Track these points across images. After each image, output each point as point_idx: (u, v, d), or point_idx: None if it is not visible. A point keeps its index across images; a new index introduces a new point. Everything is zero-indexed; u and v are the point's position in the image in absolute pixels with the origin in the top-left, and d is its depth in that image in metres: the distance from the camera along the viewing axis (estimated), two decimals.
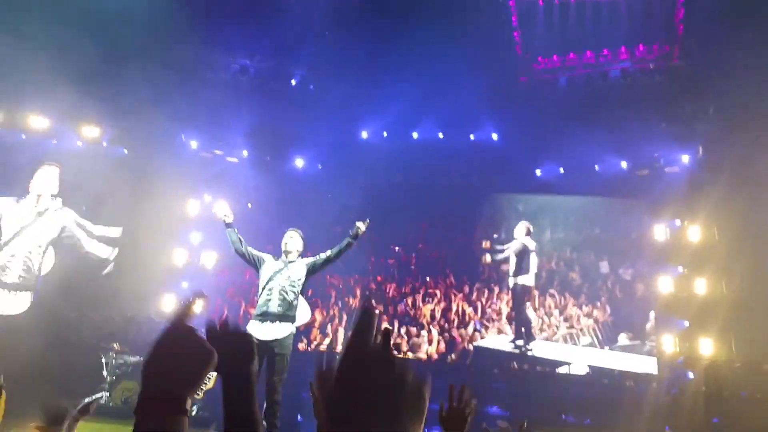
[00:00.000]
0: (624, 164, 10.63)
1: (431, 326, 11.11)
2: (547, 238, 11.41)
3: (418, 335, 11.04)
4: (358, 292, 11.77)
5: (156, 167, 10.58)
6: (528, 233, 10.80)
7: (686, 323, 8.86)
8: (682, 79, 9.82)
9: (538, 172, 11.20)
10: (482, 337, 10.87)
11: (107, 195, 10.97)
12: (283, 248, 6.28)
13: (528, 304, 10.70)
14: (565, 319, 10.79)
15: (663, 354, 9.02)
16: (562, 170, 11.05)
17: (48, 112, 10.83)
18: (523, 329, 10.46)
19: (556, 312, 10.90)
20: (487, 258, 11.35)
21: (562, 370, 9.81)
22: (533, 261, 10.72)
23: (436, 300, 11.57)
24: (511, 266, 10.78)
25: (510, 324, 10.90)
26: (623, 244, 11.02)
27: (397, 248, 12.55)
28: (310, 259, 6.23)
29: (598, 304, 10.76)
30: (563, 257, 11.43)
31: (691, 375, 8.35)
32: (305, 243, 6.44)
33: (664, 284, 9.32)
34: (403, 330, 11.17)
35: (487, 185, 11.57)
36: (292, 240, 6.30)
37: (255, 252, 6.32)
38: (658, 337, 9.33)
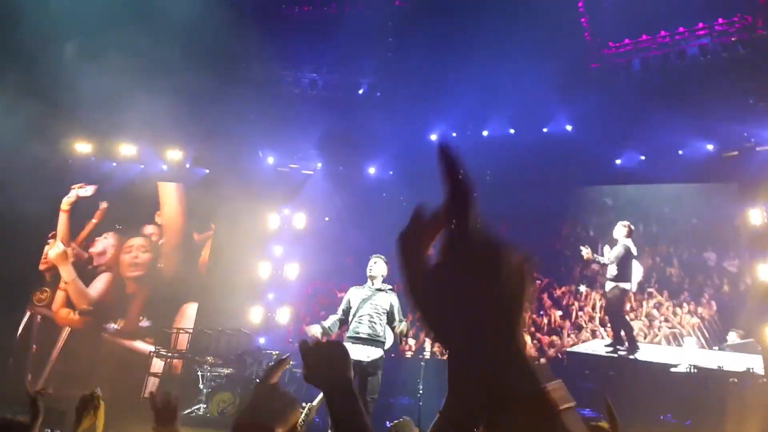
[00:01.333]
0: (710, 146, 10.04)
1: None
2: (640, 232, 10.72)
3: None
4: None
5: (236, 184, 11.05)
6: (629, 234, 10.08)
7: None
8: None
9: (617, 162, 10.76)
10: (574, 343, 10.44)
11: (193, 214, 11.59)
12: (368, 274, 6.52)
13: (627, 309, 10.13)
14: (666, 319, 10.15)
15: (767, 348, 8.41)
16: (643, 158, 10.57)
17: (135, 140, 11.55)
18: (624, 335, 9.90)
19: (655, 312, 10.26)
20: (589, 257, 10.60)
21: (661, 369, 9.36)
22: (636, 266, 10.01)
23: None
24: (611, 270, 10.11)
25: (604, 327, 10.45)
26: (724, 233, 10.23)
27: None
28: (395, 301, 6.40)
29: (703, 300, 10.02)
30: (659, 252, 10.66)
31: None
32: (389, 267, 6.62)
33: (765, 272, 8.71)
34: None
35: (565, 179, 11.21)
36: (376, 266, 6.54)
37: (344, 306, 6.54)
38: (762, 330, 8.68)
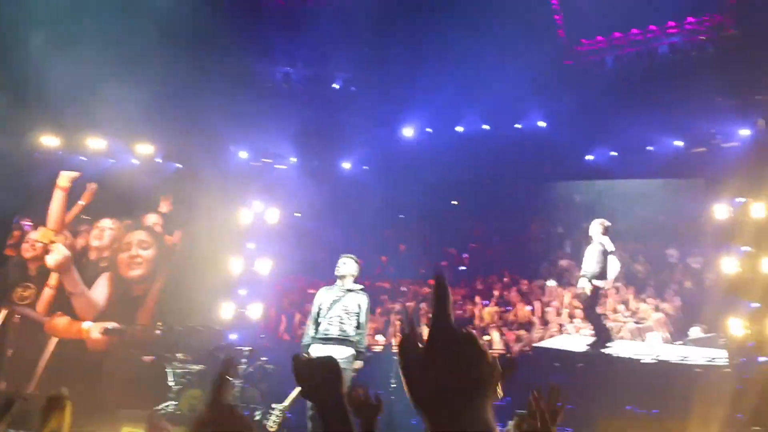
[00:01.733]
0: (679, 143, 10.19)
1: (491, 330, 10.77)
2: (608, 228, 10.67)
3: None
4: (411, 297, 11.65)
5: (209, 180, 10.91)
6: (605, 232, 9.83)
7: (754, 305, 8.41)
8: (737, 50, 9.33)
9: (589, 158, 10.87)
10: (541, 338, 10.47)
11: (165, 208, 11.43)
12: (336, 273, 6.49)
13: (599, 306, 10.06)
14: (632, 314, 10.24)
15: (732, 339, 8.58)
16: (614, 153, 10.71)
17: (104, 134, 11.32)
18: (601, 333, 9.79)
19: (621, 307, 10.35)
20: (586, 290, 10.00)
21: (627, 359, 9.47)
22: (613, 264, 9.81)
23: (492, 301, 11.29)
24: (587, 267, 9.82)
25: (572, 323, 10.50)
26: (690, 230, 10.41)
27: (451, 250, 12.35)
28: (363, 303, 6.42)
29: (667, 296, 10.19)
30: (627, 248, 10.74)
31: (762, 359, 7.96)
32: (360, 267, 6.61)
33: (729, 265, 8.89)
34: None
35: (537, 175, 11.34)
36: (345, 266, 6.53)
37: (314, 314, 6.56)
38: (725, 321, 8.85)
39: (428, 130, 11.57)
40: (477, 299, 11.38)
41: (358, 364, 6.37)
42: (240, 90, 10.78)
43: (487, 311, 11.14)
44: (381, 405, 2.63)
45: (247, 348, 8.86)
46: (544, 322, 10.72)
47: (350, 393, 2.66)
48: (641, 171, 10.23)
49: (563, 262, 11.51)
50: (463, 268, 12.20)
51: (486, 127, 11.25)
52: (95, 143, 11.35)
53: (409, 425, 8.80)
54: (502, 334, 10.72)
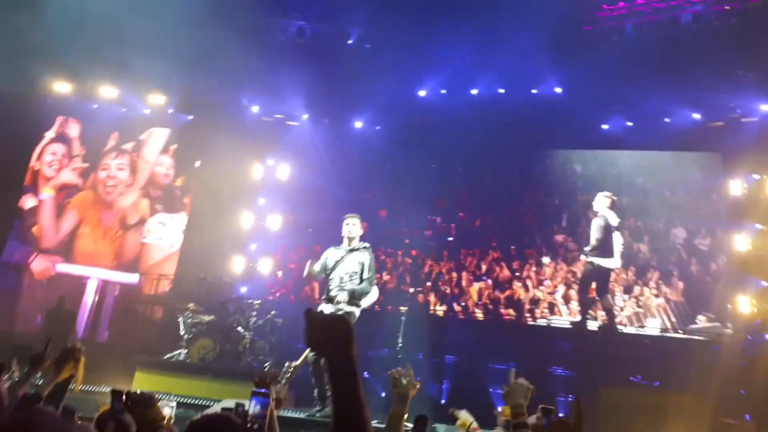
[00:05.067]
0: (697, 116, 10.09)
1: (476, 307, 10.45)
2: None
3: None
4: (389, 267, 11.11)
5: (220, 132, 10.89)
6: (612, 206, 9.29)
7: (764, 283, 8.46)
8: (760, 21, 9.14)
9: (604, 127, 10.78)
10: (534, 319, 10.11)
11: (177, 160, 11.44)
12: (343, 234, 6.51)
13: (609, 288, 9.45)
14: (634, 298, 9.72)
15: (739, 316, 8.65)
16: (630, 123, 10.60)
17: (116, 82, 11.26)
18: (606, 315, 9.41)
19: (618, 290, 9.83)
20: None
21: (630, 332, 9.39)
22: (617, 240, 9.17)
23: (477, 277, 10.77)
24: (591, 243, 9.30)
25: (567, 304, 10.02)
26: (699, 207, 10.02)
27: (437, 218, 11.79)
28: (365, 260, 6.43)
29: (671, 279, 9.70)
30: (628, 226, 10.13)
31: None
32: (364, 225, 6.69)
33: (740, 242, 8.89)
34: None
35: (548, 142, 11.21)
36: (348, 226, 6.55)
37: (321, 262, 6.53)
38: (733, 298, 8.81)
39: (443, 91, 11.42)
40: (464, 275, 10.84)
41: (342, 296, 6.37)
42: (253, 43, 10.63)
43: (475, 288, 10.69)
44: (418, 386, 2.73)
45: (256, 301, 8.99)
46: (533, 302, 10.24)
47: (393, 371, 2.76)
48: (656, 143, 10.10)
49: (559, 237, 10.93)
50: (450, 238, 11.75)
51: (501, 91, 11.10)
52: (107, 91, 11.30)
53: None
54: (489, 313, 10.36)
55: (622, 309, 9.73)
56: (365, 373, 7.15)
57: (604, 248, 9.17)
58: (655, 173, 10.61)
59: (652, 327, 9.49)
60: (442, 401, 9.36)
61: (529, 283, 10.48)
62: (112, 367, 7.57)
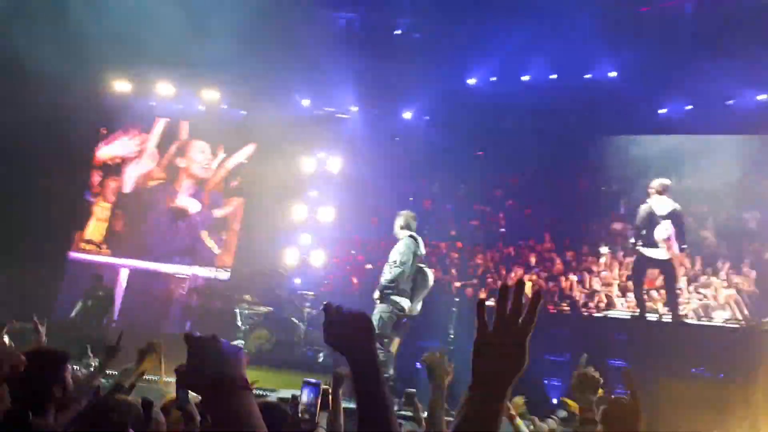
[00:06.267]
0: (762, 97, 9.61)
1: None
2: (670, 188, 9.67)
3: None
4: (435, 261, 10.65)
5: (272, 127, 11.09)
6: (660, 192, 8.98)
7: None
8: None
9: (662, 111, 10.39)
10: (589, 311, 9.85)
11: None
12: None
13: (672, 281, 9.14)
14: (697, 290, 9.21)
15: None
16: (689, 107, 10.18)
17: (173, 79, 11.61)
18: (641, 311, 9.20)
19: (683, 280, 9.32)
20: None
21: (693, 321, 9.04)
22: (662, 228, 8.89)
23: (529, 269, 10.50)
24: (635, 233, 9.12)
25: (625, 297, 9.72)
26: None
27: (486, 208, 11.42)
28: (400, 245, 6.68)
29: (742, 268, 9.08)
30: (692, 210, 9.62)
31: None
32: (405, 219, 6.82)
33: None
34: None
35: (603, 128, 10.88)
36: (395, 221, 6.87)
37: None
38: None
39: (493, 79, 11.26)
40: (516, 269, 10.54)
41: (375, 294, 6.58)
42: (303, 37, 10.75)
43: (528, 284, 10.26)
44: (452, 371, 2.72)
45: (310, 292, 9.15)
46: (590, 295, 9.94)
47: (431, 353, 2.77)
48: (717, 126, 9.65)
49: (617, 226, 10.37)
50: (502, 230, 11.37)
51: (553, 76, 10.85)
52: (164, 88, 11.67)
53: (466, 379, 9.00)
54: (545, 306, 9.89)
55: (688, 301, 9.25)
56: (416, 363, 7.17)
57: (650, 237, 8.86)
58: (721, 155, 9.65)
59: (720, 320, 9.00)
60: None
61: (586, 274, 10.19)
62: (176, 358, 7.83)
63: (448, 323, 7.99)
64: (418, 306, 6.71)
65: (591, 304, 9.94)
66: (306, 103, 11.85)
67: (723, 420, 6.61)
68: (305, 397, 2.17)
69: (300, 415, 2.12)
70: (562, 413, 4.82)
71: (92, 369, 3.62)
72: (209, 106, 11.88)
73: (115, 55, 10.32)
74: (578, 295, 10.06)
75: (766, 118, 9.39)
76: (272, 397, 6.12)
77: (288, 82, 11.19)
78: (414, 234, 6.72)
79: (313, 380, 2.38)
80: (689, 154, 9.83)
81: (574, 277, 10.24)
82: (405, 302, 6.49)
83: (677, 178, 9.60)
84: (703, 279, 9.37)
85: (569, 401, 4.93)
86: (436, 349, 3.05)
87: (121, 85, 11.65)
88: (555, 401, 6.80)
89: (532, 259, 10.69)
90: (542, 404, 5.48)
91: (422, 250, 6.74)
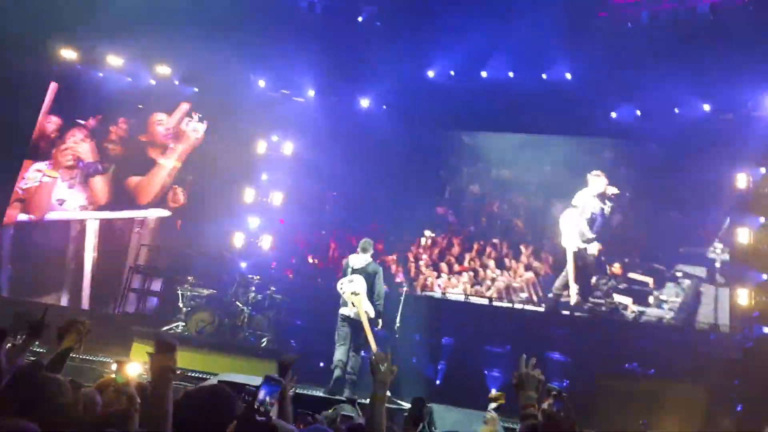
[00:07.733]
0: (706, 107, 9.97)
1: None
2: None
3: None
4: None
5: (225, 106, 10.82)
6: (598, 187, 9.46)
7: (764, 276, 8.45)
8: None
9: (613, 115, 10.64)
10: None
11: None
12: None
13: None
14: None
15: (737, 307, 8.65)
16: (638, 113, 10.47)
17: (122, 51, 11.20)
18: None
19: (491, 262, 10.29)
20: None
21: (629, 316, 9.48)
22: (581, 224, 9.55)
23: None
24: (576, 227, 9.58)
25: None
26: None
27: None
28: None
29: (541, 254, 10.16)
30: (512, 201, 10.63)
31: (766, 330, 8.06)
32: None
33: (743, 235, 8.85)
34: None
35: (555, 128, 11.05)
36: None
37: None
38: (733, 290, 8.84)
39: (451, 73, 11.29)
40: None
41: None
42: (262, 17, 10.53)
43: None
44: (395, 371, 2.76)
45: (256, 276, 8.99)
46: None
47: (379, 353, 2.79)
48: (664, 132, 9.97)
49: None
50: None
51: (511, 74, 10.97)
52: (113, 60, 11.24)
53: (411, 363, 9.05)
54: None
55: (493, 281, 10.21)
56: (362, 352, 7.14)
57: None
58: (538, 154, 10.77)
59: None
60: (438, 382, 9.44)
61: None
62: (110, 337, 7.60)
63: (395, 311, 7.96)
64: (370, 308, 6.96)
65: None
66: (261, 83, 11.61)
67: (654, 413, 6.89)
68: (262, 395, 2.07)
69: (257, 407, 2.03)
70: (492, 405, 4.94)
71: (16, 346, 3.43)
72: (160, 81, 11.52)
73: (66, 23, 9.96)
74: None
75: (709, 127, 9.70)
76: (213, 380, 5.98)
77: (244, 60, 10.93)
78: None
79: (276, 377, 2.30)
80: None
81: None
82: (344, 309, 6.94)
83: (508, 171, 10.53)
84: (506, 262, 10.41)
85: (494, 394, 5.18)
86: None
87: (67, 53, 11.18)
88: (494, 391, 6.90)
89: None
90: (483, 395, 5.56)
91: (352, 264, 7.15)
